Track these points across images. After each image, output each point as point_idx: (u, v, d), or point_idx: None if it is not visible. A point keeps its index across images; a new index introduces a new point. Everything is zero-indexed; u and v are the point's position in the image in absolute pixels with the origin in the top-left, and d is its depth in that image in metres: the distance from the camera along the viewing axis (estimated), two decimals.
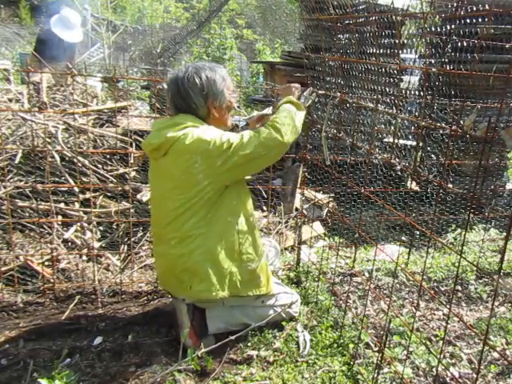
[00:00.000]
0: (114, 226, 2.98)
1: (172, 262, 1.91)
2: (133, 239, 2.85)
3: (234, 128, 4.42)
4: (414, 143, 4.21)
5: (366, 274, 2.76)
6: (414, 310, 2.37)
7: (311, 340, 2.06)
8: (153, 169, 1.98)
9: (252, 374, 1.83)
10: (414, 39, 4.24)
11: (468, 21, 3.83)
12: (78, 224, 2.84)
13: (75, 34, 5.48)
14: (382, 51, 4.13)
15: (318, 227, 3.60)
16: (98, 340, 2.04)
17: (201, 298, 1.91)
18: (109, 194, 3.11)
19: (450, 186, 4.06)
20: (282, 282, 2.61)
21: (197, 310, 1.97)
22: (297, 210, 3.69)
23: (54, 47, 5.23)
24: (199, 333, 1.96)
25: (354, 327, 2.14)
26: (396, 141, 3.99)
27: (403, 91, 4.15)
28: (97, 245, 2.76)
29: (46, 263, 2.54)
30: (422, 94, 4.08)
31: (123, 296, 2.46)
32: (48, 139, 3.13)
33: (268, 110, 2.31)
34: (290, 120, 1.89)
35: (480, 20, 3.92)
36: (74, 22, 5.44)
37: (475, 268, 2.82)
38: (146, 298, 2.44)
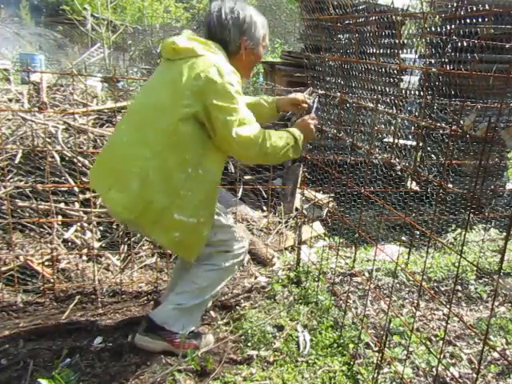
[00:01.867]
0: (114, 226, 2.98)
1: (113, 154, 1.82)
2: (133, 239, 2.85)
3: None
4: (414, 143, 4.22)
5: (366, 274, 2.76)
6: (414, 310, 2.37)
7: (311, 340, 2.06)
8: (157, 71, 1.93)
9: (252, 373, 1.83)
10: (414, 39, 4.24)
11: (468, 21, 3.83)
12: (78, 224, 2.84)
13: None
14: (382, 51, 4.13)
15: (318, 227, 3.60)
16: (98, 340, 2.04)
17: (111, 205, 1.78)
18: None
19: (450, 185, 4.06)
20: (282, 281, 2.62)
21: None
22: (297, 209, 3.69)
23: None
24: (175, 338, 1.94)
25: (354, 327, 2.14)
26: (396, 141, 3.99)
27: (403, 91, 4.15)
28: (97, 245, 2.76)
29: (46, 263, 2.54)
30: (422, 93, 4.08)
31: (123, 296, 2.46)
32: (48, 139, 3.13)
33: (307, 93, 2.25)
34: (280, 153, 1.87)
35: (480, 20, 3.92)
36: None
37: (475, 268, 2.82)
38: (145, 297, 2.45)
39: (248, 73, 1.99)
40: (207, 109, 1.71)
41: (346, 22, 4.04)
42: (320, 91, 2.44)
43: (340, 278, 2.72)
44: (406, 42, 4.22)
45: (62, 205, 2.87)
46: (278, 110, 2.20)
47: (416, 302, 2.44)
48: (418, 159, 3.82)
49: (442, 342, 2.09)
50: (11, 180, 2.90)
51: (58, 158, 3.02)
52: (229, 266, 1.97)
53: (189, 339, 1.96)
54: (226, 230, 1.98)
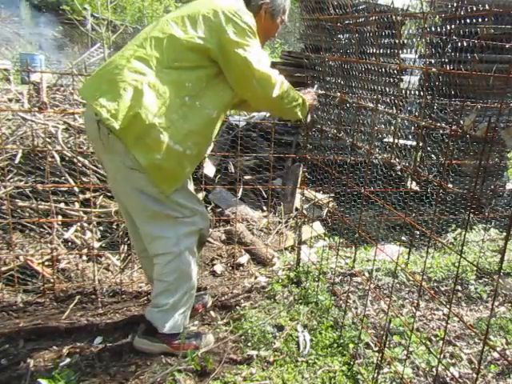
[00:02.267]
0: (114, 226, 2.98)
1: (111, 65, 1.76)
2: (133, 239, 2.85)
3: (234, 128, 4.43)
4: (414, 143, 4.21)
5: (366, 274, 2.76)
6: (414, 310, 2.37)
7: (311, 340, 2.06)
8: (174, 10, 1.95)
9: (252, 373, 1.83)
10: (414, 39, 4.24)
11: (468, 21, 3.83)
12: (78, 224, 2.84)
13: None
14: (382, 51, 4.13)
15: (318, 227, 3.60)
16: (98, 340, 2.04)
17: (96, 113, 1.69)
18: (109, 194, 3.10)
19: (450, 185, 4.06)
20: (282, 281, 2.62)
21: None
22: (297, 209, 3.69)
23: None
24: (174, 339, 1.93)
25: (354, 327, 2.14)
26: (396, 141, 3.99)
27: (403, 91, 4.15)
28: (97, 245, 2.76)
29: (46, 263, 2.54)
30: (422, 93, 4.08)
31: (123, 296, 2.46)
32: (48, 139, 3.13)
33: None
34: (292, 104, 1.93)
35: (480, 20, 3.92)
36: None
37: (475, 268, 2.82)
38: (146, 297, 2.44)
39: (262, 41, 1.96)
40: (224, 46, 1.72)
41: (346, 22, 4.04)
42: (320, 91, 2.44)
43: (340, 277, 2.72)
44: (406, 41, 4.22)
45: (62, 205, 2.87)
46: None
47: (416, 302, 2.44)
48: (418, 159, 3.82)
49: (442, 342, 2.09)
50: (11, 180, 2.90)
51: (58, 158, 3.02)
52: (185, 249, 1.86)
53: (189, 339, 1.95)
54: (187, 195, 1.87)
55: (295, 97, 1.95)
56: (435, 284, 2.72)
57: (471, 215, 3.96)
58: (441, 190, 3.76)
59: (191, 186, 1.97)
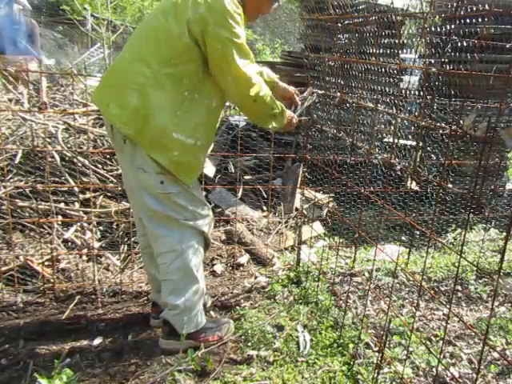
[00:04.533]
0: (114, 226, 2.98)
1: (114, 70, 1.84)
2: (133, 239, 2.85)
3: (234, 128, 4.42)
4: (414, 143, 4.21)
5: (366, 274, 2.76)
6: (414, 310, 2.37)
7: (311, 340, 2.06)
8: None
9: (252, 373, 1.83)
10: (414, 39, 4.23)
11: (468, 21, 3.83)
12: (78, 224, 2.84)
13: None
14: (382, 51, 4.13)
15: (318, 227, 3.59)
16: (98, 340, 2.04)
17: (111, 120, 1.79)
18: (109, 194, 3.10)
19: (450, 185, 4.06)
20: (282, 281, 2.62)
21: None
22: (297, 209, 3.69)
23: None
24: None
25: (354, 327, 2.14)
26: (396, 141, 3.99)
27: (403, 91, 4.15)
28: (97, 245, 2.76)
29: (46, 263, 2.53)
30: (422, 93, 4.07)
31: (123, 296, 2.46)
32: (48, 139, 3.13)
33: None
34: (266, 111, 1.88)
35: (480, 20, 3.92)
36: None
37: (475, 268, 2.82)
38: (145, 297, 2.44)
39: (253, 15, 1.94)
40: (206, 37, 1.69)
41: (346, 22, 4.04)
42: (320, 91, 2.44)
43: (340, 277, 2.72)
44: (406, 41, 4.22)
45: (62, 205, 2.87)
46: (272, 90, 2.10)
47: (416, 302, 2.44)
48: (418, 159, 3.82)
49: (441, 342, 2.09)
50: (11, 180, 2.90)
51: (58, 158, 3.02)
52: (188, 248, 1.88)
53: (211, 330, 2.00)
54: (190, 198, 1.88)
55: (271, 105, 1.88)
56: (435, 284, 2.72)
57: (471, 215, 3.96)
58: (441, 190, 3.76)
59: (198, 190, 1.98)
